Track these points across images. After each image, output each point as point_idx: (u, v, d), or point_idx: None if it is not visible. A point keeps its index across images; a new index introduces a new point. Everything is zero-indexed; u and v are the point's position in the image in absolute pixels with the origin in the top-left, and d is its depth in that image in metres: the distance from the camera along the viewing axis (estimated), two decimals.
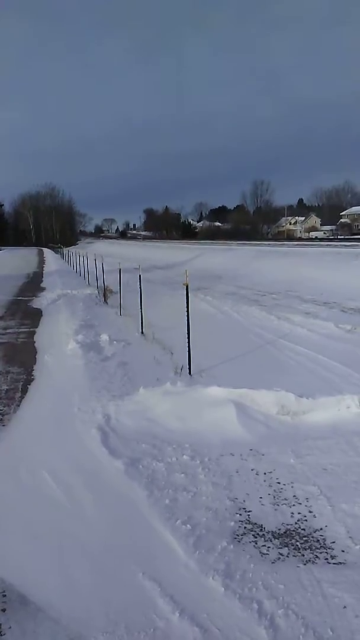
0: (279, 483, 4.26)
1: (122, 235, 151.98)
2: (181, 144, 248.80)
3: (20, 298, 18.47)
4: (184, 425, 5.45)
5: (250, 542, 3.48)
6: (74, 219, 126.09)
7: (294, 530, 3.60)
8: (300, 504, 3.93)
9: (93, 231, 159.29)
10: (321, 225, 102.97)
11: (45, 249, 76.38)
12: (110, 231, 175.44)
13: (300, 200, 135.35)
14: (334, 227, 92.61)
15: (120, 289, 13.64)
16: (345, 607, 2.81)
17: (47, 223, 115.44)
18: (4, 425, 5.78)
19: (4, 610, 2.93)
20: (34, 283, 24.90)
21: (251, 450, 4.88)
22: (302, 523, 3.68)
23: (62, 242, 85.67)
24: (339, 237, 68.96)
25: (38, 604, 2.97)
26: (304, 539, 3.49)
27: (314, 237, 77.62)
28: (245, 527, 3.65)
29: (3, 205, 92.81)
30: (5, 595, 3.05)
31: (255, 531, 3.60)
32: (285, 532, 3.58)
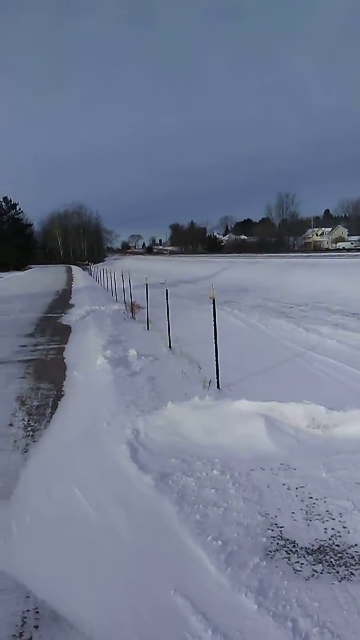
0: (311, 498, 4.18)
1: (149, 250, 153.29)
2: (206, 158, 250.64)
3: (49, 315, 18.74)
4: (213, 439, 5.41)
5: (283, 558, 3.41)
6: (101, 236, 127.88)
7: (327, 547, 3.52)
8: (334, 519, 3.85)
9: (120, 247, 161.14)
10: (348, 235, 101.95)
11: (73, 266, 77.46)
12: (136, 247, 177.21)
13: (327, 211, 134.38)
14: None
15: (147, 304, 13.72)
16: None
17: (75, 241, 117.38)
18: (35, 441, 5.84)
19: (36, 627, 2.94)
20: (62, 300, 25.25)
21: (282, 464, 4.81)
22: (336, 539, 3.60)
23: (89, 259, 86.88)
24: None
25: (70, 620, 2.97)
26: (339, 555, 3.41)
27: (341, 247, 76.87)
28: (277, 543, 3.59)
29: (32, 224, 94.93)
30: (38, 612, 3.06)
31: (288, 547, 3.54)
32: (319, 548, 3.51)
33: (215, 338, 7.34)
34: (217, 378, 7.19)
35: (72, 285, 36.76)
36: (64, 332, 14.20)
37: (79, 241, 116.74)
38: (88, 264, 67.59)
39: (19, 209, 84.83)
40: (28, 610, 3.07)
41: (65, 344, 12.37)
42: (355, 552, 3.43)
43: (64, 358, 10.60)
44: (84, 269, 65.97)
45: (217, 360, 7.24)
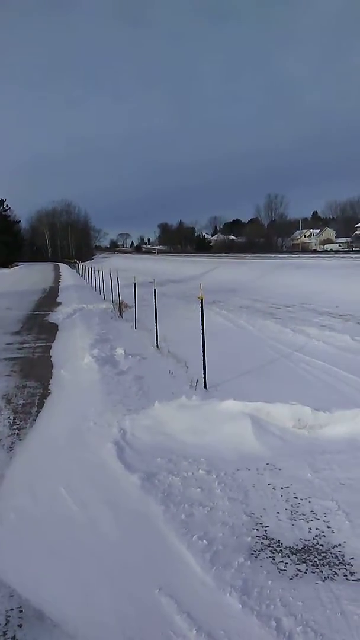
0: (296, 498, 4.21)
1: (137, 249, 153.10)
2: (195, 157, 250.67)
3: (36, 313, 18.63)
4: (199, 439, 5.43)
5: (267, 557, 3.44)
6: (89, 235, 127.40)
7: (312, 546, 3.55)
8: (318, 519, 3.88)
9: (108, 246, 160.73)
10: (336, 237, 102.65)
11: (61, 264, 77.07)
12: (125, 246, 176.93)
13: (315, 213, 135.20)
14: (349, 239, 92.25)
15: (135, 303, 13.70)
16: None
17: (63, 239, 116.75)
18: (20, 440, 5.81)
19: (20, 625, 2.92)
20: (50, 298, 25.11)
21: (267, 464, 4.84)
22: (320, 539, 3.64)
23: (77, 257, 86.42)
24: (354, 249, 68.62)
25: (54, 619, 2.96)
26: (322, 554, 3.44)
27: (329, 249, 77.33)
28: (262, 543, 3.61)
29: (20, 221, 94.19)
30: (22, 611, 3.04)
31: (272, 547, 3.56)
32: (303, 548, 3.53)
33: (203, 338, 7.36)
34: (205, 378, 7.20)
35: (60, 283, 36.57)
36: (51, 331, 14.13)
37: (67, 239, 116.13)
38: (76, 262, 67.28)
39: (7, 206, 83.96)
40: (12, 609, 3.06)
41: (52, 342, 12.32)
42: (339, 552, 3.46)
43: (51, 356, 10.56)
44: (71, 267, 65.71)
45: (204, 360, 7.25)
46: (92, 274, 31.75)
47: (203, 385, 7.14)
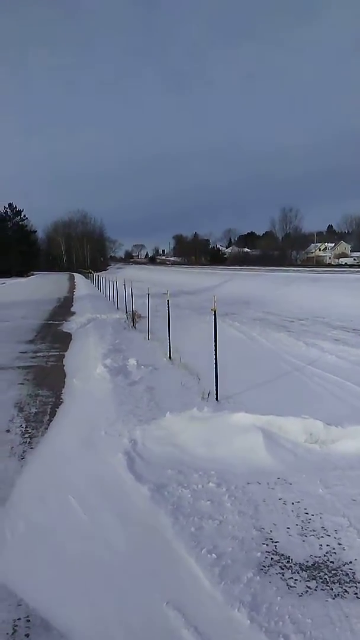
0: (307, 513, 4.17)
1: (152, 260, 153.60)
2: (210, 170, 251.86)
3: (50, 322, 18.76)
4: (210, 451, 5.40)
5: (277, 573, 3.40)
6: (104, 245, 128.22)
7: (322, 563, 3.50)
8: (329, 535, 3.84)
9: (123, 257, 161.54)
10: (351, 251, 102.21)
11: (76, 274, 77.67)
12: (139, 257, 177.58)
13: (330, 227, 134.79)
14: None
15: (148, 313, 13.74)
16: None
17: (78, 249, 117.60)
18: (32, 448, 5.83)
19: (27, 635, 2.92)
20: (64, 307, 25.29)
21: (279, 478, 4.80)
22: (330, 555, 3.59)
23: (92, 267, 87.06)
24: None
25: (61, 630, 2.95)
26: (333, 572, 3.40)
27: (343, 263, 77.00)
28: (272, 558, 3.57)
29: (36, 231, 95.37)
30: (29, 621, 3.04)
31: (282, 562, 3.52)
32: (313, 565, 3.49)
33: (215, 350, 7.35)
34: (216, 390, 7.19)
35: (74, 293, 36.83)
36: (65, 340, 14.21)
37: (82, 249, 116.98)
38: (91, 272, 67.71)
39: (24, 216, 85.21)
40: (19, 619, 3.06)
41: (66, 351, 12.38)
42: (350, 569, 3.41)
43: (64, 365, 10.61)
44: (86, 277, 66.12)
45: (216, 372, 7.24)
46: (106, 284, 31.93)
47: (215, 397, 7.13)
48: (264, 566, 3.47)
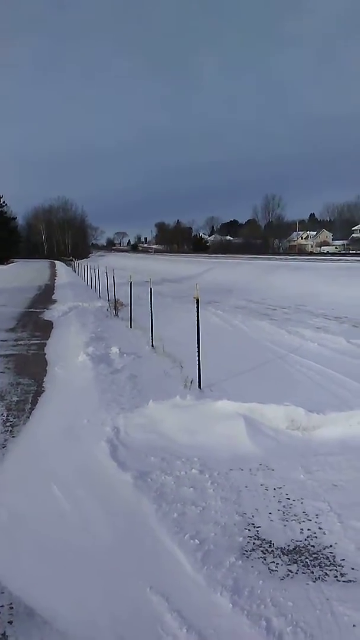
0: (288, 499, 4.22)
1: (134, 248, 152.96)
2: (192, 158, 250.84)
3: (31, 310, 18.59)
4: (193, 438, 5.43)
5: (258, 558, 3.44)
6: (86, 232, 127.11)
7: (303, 547, 3.56)
8: (310, 520, 3.90)
9: (105, 244, 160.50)
10: (333, 240, 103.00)
11: (57, 262, 76.90)
12: (122, 244, 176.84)
13: (312, 215, 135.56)
14: (345, 241, 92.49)
15: (130, 301, 13.70)
16: (354, 625, 2.77)
17: (59, 236, 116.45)
18: (13, 437, 5.79)
19: (10, 622, 2.92)
20: (45, 295, 25.07)
21: (260, 465, 4.85)
22: (311, 540, 3.65)
23: (74, 254, 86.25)
24: (350, 251, 68.82)
25: (44, 617, 2.96)
26: (314, 555, 3.45)
27: (325, 251, 77.55)
28: (254, 543, 3.61)
29: (16, 218, 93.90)
30: (12, 608, 3.04)
31: (264, 547, 3.57)
32: (294, 549, 3.54)
33: (198, 338, 7.36)
34: (199, 378, 7.21)
35: (56, 281, 36.53)
36: (46, 328, 14.11)
37: (63, 236, 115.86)
38: (72, 260, 67.12)
39: (3, 202, 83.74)
40: (2, 606, 3.05)
41: (47, 339, 12.30)
42: (330, 553, 3.47)
43: (45, 354, 10.54)
44: (67, 265, 65.56)
45: (199, 360, 7.26)
46: (88, 272, 31.71)
47: (197, 385, 7.15)
48: (246, 551, 3.52)
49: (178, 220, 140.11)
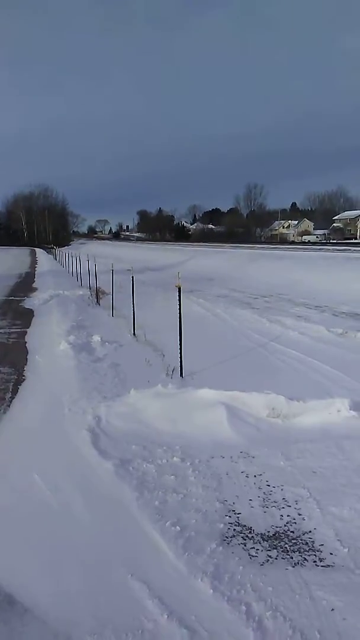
0: (268, 485, 4.27)
1: (116, 236, 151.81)
2: (175, 146, 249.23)
3: (11, 298, 18.38)
4: (174, 427, 5.45)
5: (239, 544, 3.48)
6: (67, 220, 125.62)
7: (283, 533, 3.61)
8: (290, 506, 3.94)
9: (86, 232, 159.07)
10: (314, 229, 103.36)
11: (37, 250, 76.05)
12: (103, 232, 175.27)
13: (294, 204, 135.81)
14: (326, 231, 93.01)
15: (112, 290, 13.62)
16: (332, 609, 2.82)
17: (40, 223, 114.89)
18: None
19: None
20: (26, 283, 24.80)
21: (241, 452, 4.89)
22: (291, 525, 3.69)
23: (54, 242, 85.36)
24: (331, 241, 69.31)
25: (25, 604, 2.96)
26: (293, 541, 3.50)
27: (306, 240, 77.94)
28: (234, 529, 3.65)
29: None
30: None
31: (244, 533, 3.61)
32: (274, 535, 3.59)
33: (180, 327, 7.36)
34: (181, 366, 7.22)
35: (36, 269, 36.15)
36: (27, 316, 13.97)
37: (44, 224, 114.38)
38: (53, 248, 66.44)
39: None
40: None
41: (28, 328, 12.18)
42: (309, 538, 3.52)
43: (26, 342, 10.44)
44: (48, 253, 64.89)
45: (180, 349, 7.27)
46: (69, 260, 31.44)
47: (179, 373, 7.16)
48: (227, 537, 3.55)
49: (160, 208, 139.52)
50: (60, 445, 5.13)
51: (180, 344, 7.28)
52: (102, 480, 4.39)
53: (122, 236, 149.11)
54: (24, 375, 7.85)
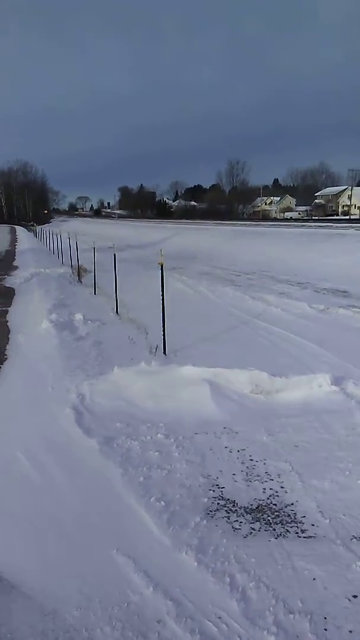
0: (251, 460, 4.32)
1: (97, 213, 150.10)
2: (157, 120, 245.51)
3: None
4: (158, 404, 5.47)
5: (223, 517, 3.53)
6: (47, 197, 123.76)
7: (265, 506, 3.67)
8: (272, 480, 4.01)
9: (67, 209, 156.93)
10: (296, 205, 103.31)
11: (17, 227, 74.87)
12: (84, 209, 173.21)
13: (276, 181, 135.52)
14: (308, 207, 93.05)
15: (94, 268, 13.51)
16: (314, 579, 2.89)
17: (19, 200, 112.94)
18: None
19: None
20: (6, 261, 24.44)
21: (225, 428, 4.93)
22: (273, 498, 3.76)
23: (35, 220, 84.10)
24: (313, 217, 69.40)
25: (11, 580, 2.98)
26: (276, 513, 3.57)
27: (288, 217, 77.93)
28: (218, 503, 3.70)
29: None
30: None
31: (228, 507, 3.66)
32: (257, 508, 3.65)
33: (163, 304, 7.34)
34: (164, 344, 7.22)
35: (17, 247, 35.63)
36: (7, 295, 13.80)
37: (23, 200, 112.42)
38: (33, 225, 65.44)
39: None
40: None
41: (9, 306, 12.05)
42: (292, 510, 3.59)
43: (7, 321, 10.34)
44: (28, 230, 63.92)
45: (164, 326, 7.26)
46: (50, 238, 31.03)
47: (163, 351, 7.17)
48: (211, 511, 3.60)
49: (142, 185, 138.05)
50: (44, 424, 5.12)
51: (164, 322, 7.27)
52: (86, 458, 4.40)
53: (104, 213, 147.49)
54: (5, 354, 7.79)
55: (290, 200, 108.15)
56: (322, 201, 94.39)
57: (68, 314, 9.93)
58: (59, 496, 3.86)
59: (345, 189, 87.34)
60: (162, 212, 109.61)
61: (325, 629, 2.56)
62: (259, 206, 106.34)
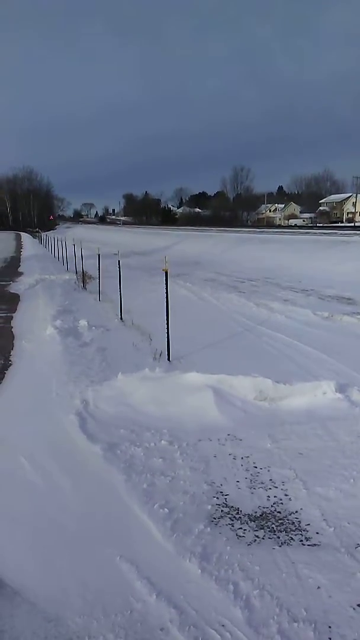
0: (255, 467, 4.31)
1: (101, 220, 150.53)
2: (162, 128, 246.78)
3: None
4: (162, 410, 5.46)
5: (226, 524, 3.52)
6: (52, 203, 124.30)
7: (270, 513, 3.65)
8: (277, 487, 3.99)
9: (72, 216, 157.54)
10: (300, 212, 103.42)
11: (22, 234, 75.14)
12: (89, 216, 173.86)
13: (280, 188, 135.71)
14: (313, 214, 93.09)
15: (99, 274, 13.54)
16: (319, 587, 2.88)
17: (24, 207, 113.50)
18: None
19: None
20: (11, 267, 24.54)
21: (229, 435, 4.92)
22: (278, 506, 3.74)
23: (40, 226, 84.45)
24: (317, 225, 69.41)
25: (14, 587, 2.97)
26: (280, 521, 3.55)
27: (293, 224, 77.96)
28: (222, 511, 3.69)
29: None
30: None
31: (231, 514, 3.64)
32: (261, 515, 3.63)
33: (167, 310, 7.35)
34: (168, 350, 7.23)
35: (22, 253, 35.77)
36: (13, 301, 13.85)
37: (28, 207, 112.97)
38: (38, 232, 65.69)
39: None
40: None
41: (14, 312, 12.08)
42: (296, 518, 3.57)
43: (12, 327, 10.36)
44: (34, 237, 64.18)
45: (168, 333, 7.26)
46: (55, 244, 31.15)
47: (167, 357, 7.17)
48: (215, 518, 3.59)
49: (146, 192, 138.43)
50: (48, 430, 5.12)
51: (168, 328, 7.28)
52: (90, 464, 4.40)
53: (108, 220, 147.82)
54: (10, 360, 7.81)
55: (294, 208, 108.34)
56: (326, 208, 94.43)
57: (72, 320, 9.95)
58: (62, 502, 3.85)
59: (349, 196, 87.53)
60: (166, 218, 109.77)
61: (330, 638, 2.55)
62: (263, 213, 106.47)
